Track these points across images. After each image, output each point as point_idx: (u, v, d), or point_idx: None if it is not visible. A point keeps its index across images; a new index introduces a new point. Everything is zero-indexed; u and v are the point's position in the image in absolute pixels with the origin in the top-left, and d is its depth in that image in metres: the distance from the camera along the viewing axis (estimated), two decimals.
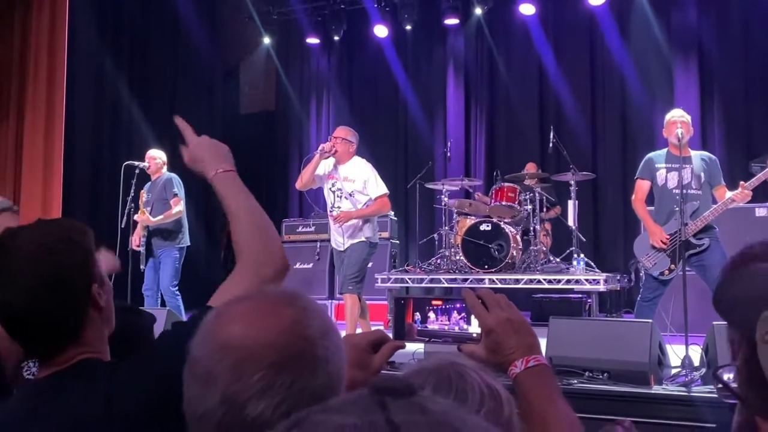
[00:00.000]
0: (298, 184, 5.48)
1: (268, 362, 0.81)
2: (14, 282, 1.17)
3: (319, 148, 5.34)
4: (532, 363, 1.12)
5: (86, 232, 1.28)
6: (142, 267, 6.20)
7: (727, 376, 0.83)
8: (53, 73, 7.30)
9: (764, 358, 0.67)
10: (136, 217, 6.12)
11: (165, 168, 6.38)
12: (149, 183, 6.39)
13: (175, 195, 6.19)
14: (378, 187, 5.30)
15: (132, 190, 6.21)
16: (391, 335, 1.32)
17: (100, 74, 8.25)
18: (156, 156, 6.36)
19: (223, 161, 1.46)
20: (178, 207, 6.17)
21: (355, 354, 1.19)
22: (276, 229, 1.42)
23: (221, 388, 0.81)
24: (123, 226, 6.14)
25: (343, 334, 1.25)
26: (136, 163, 6.33)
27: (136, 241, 6.14)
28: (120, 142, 8.42)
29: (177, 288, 6.11)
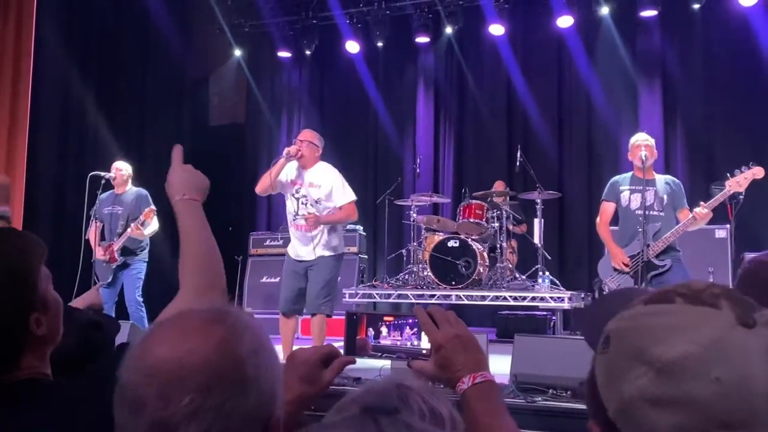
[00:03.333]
0: (258, 188, 5.25)
1: (195, 385, 0.79)
2: None
3: (285, 151, 5.13)
4: (479, 380, 1.13)
5: (28, 253, 1.20)
6: (100, 281, 5.99)
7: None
8: (17, 81, 7.17)
9: (596, 366, 0.75)
10: (130, 231, 5.94)
11: (130, 181, 6.31)
12: (111, 194, 6.26)
13: (152, 209, 6.13)
14: (345, 195, 5.10)
15: (97, 201, 6.12)
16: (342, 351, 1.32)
17: (67, 82, 8.13)
18: (123, 168, 6.29)
19: (194, 191, 1.46)
20: (157, 221, 6.12)
21: (305, 369, 1.20)
22: (222, 268, 1.43)
23: (149, 415, 0.79)
24: (87, 237, 6.03)
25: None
26: (102, 173, 6.24)
27: (113, 255, 6.00)
28: (86, 151, 8.29)
29: (142, 299, 6.05)
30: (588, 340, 0.86)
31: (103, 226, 6.18)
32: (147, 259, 6.20)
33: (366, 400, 0.60)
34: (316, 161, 5.16)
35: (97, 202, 6.16)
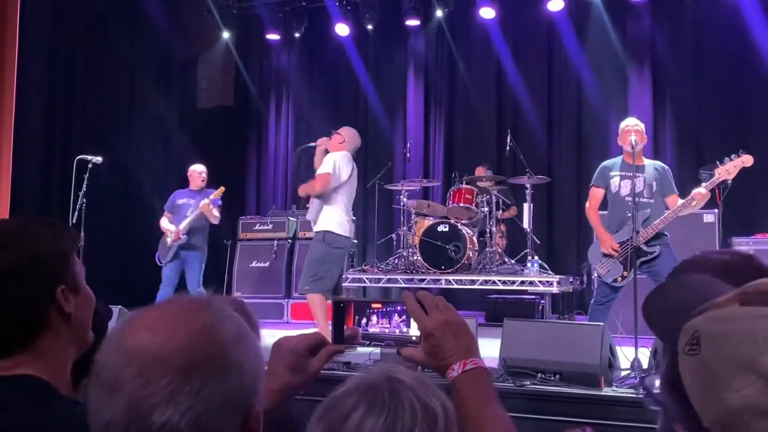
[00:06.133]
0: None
1: (175, 367, 0.78)
2: None
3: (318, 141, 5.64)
4: (469, 366, 1.11)
5: (64, 233, 1.22)
6: (161, 262, 6.53)
7: (657, 382, 0.86)
8: (3, 62, 7.06)
9: (684, 368, 0.69)
10: (201, 205, 6.40)
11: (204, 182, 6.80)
12: (185, 190, 6.80)
13: (219, 206, 6.67)
14: (321, 168, 5.35)
15: (84, 185, 6.07)
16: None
17: (53, 63, 8.03)
18: (203, 171, 6.79)
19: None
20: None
21: (292, 358, 1.18)
22: None
23: (127, 395, 0.78)
24: (74, 221, 6.02)
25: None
26: (89, 157, 6.18)
27: (178, 233, 6.44)
28: (73, 134, 8.22)
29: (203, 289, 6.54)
30: (659, 332, 0.80)
31: (172, 216, 6.68)
32: (206, 251, 6.71)
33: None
34: (337, 149, 5.46)
35: (171, 196, 6.79)
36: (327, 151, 5.48)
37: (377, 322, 1.33)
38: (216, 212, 6.56)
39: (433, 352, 1.15)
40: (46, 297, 1.14)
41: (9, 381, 1.10)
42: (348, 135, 5.56)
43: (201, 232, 6.60)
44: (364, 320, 1.33)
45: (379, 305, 1.33)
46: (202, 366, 0.80)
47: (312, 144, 5.61)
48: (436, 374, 1.16)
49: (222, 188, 6.62)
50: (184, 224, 6.45)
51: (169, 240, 6.48)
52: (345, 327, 1.32)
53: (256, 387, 0.85)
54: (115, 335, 0.84)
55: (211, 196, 6.44)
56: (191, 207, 6.54)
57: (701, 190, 4.47)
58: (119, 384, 0.79)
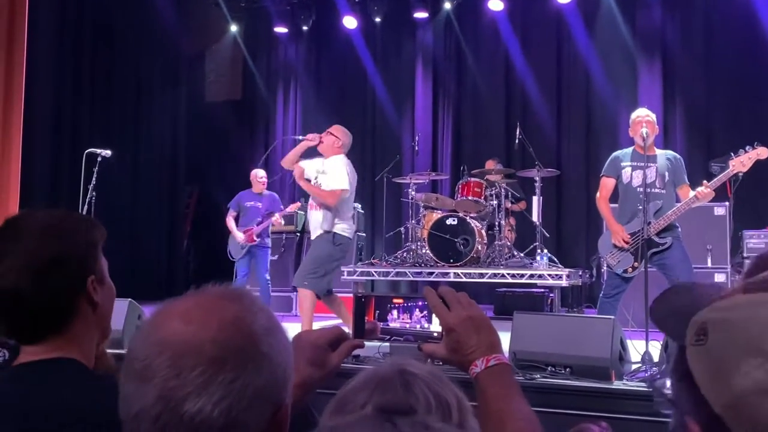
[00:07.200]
0: (284, 162, 5.52)
1: (208, 357, 0.78)
2: (12, 259, 1.18)
3: (308, 135, 5.42)
4: (492, 362, 1.10)
5: (95, 226, 1.30)
6: (233, 257, 7.03)
7: (667, 383, 0.84)
8: (12, 57, 7.08)
9: (692, 359, 0.69)
10: (274, 219, 7.03)
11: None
12: (250, 192, 7.25)
13: (282, 209, 7.32)
14: (334, 181, 5.23)
15: (94, 178, 6.08)
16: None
17: (61, 58, 8.04)
18: (264, 176, 7.33)
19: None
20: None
21: (312, 352, 1.17)
22: None
23: (159, 384, 0.77)
24: (84, 214, 6.05)
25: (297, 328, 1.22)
26: (98, 150, 6.19)
27: (252, 237, 6.95)
28: (82, 128, 8.23)
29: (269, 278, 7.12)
30: (669, 333, 0.80)
31: (238, 215, 7.17)
32: (270, 244, 7.28)
33: (377, 400, 0.60)
34: (335, 152, 5.32)
35: (236, 196, 7.25)
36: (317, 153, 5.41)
37: (398, 318, 1.31)
38: (283, 221, 7.35)
39: (455, 347, 1.13)
40: (80, 287, 1.23)
41: (53, 363, 1.18)
42: (343, 136, 5.40)
43: (265, 230, 7.08)
44: (385, 315, 1.31)
45: (400, 300, 1.32)
46: (234, 357, 0.79)
47: (300, 137, 5.46)
48: (449, 367, 1.15)
49: (298, 204, 7.26)
50: (257, 231, 6.98)
51: (239, 240, 7.00)
52: (365, 321, 1.31)
53: (286, 381, 0.85)
54: (147, 325, 0.83)
55: (285, 211, 7.17)
56: (260, 212, 7.07)
57: (704, 190, 4.41)
58: (151, 373, 0.78)
